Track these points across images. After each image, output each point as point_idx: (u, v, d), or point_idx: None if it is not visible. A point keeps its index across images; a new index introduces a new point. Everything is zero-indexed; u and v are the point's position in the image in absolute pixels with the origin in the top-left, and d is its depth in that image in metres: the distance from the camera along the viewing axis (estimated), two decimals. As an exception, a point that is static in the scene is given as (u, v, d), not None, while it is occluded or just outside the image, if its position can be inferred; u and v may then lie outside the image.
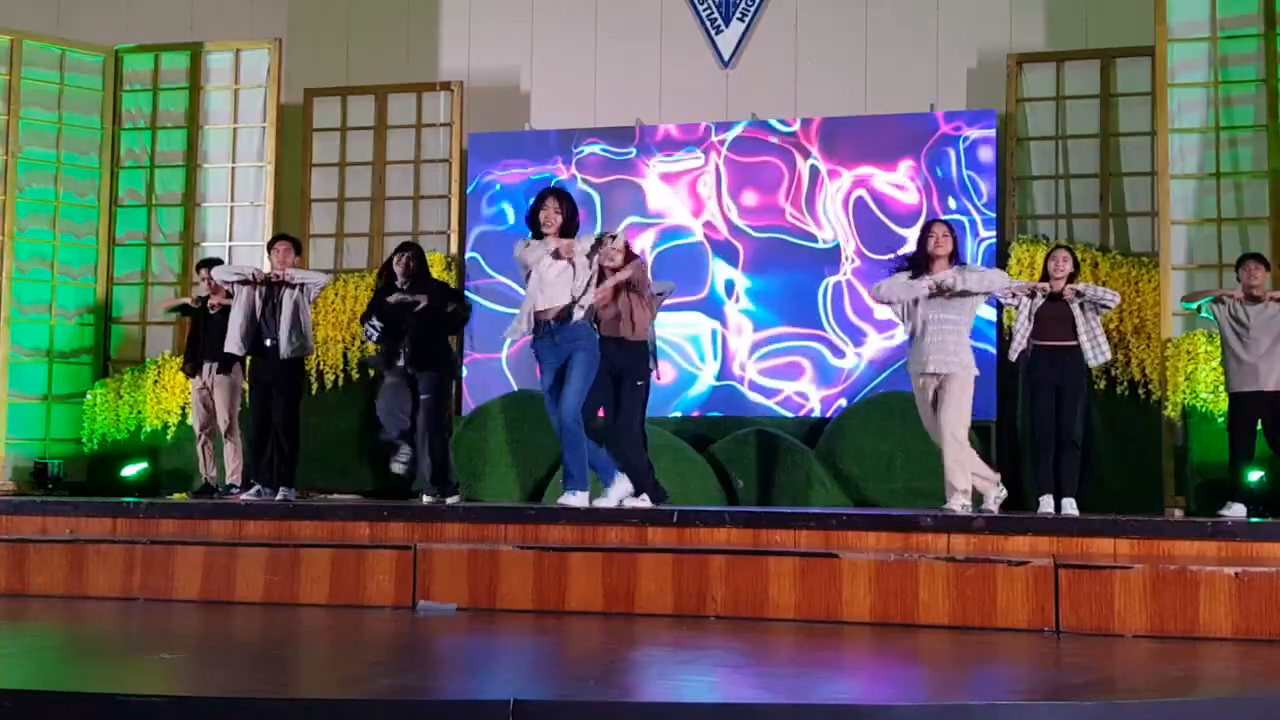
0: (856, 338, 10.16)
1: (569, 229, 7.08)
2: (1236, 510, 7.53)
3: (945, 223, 7.50)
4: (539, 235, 7.10)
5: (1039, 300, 7.57)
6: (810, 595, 5.89)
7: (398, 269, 7.95)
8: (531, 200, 7.28)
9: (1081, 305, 7.51)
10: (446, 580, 6.25)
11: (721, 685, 4.35)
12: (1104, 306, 7.54)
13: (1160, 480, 9.21)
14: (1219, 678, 4.66)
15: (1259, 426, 7.87)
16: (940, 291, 7.11)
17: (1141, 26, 9.70)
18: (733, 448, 9.66)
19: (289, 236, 8.71)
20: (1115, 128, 10.14)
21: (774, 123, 10.46)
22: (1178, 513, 8.60)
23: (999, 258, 9.96)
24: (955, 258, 7.28)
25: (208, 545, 6.66)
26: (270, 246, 8.57)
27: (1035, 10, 10.51)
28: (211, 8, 11.40)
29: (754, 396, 10.26)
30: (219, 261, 9.42)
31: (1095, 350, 7.52)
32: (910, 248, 7.94)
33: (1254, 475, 8.31)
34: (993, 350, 9.81)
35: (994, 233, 10.02)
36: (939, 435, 7.17)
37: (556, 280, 6.98)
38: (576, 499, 6.92)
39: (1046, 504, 7.56)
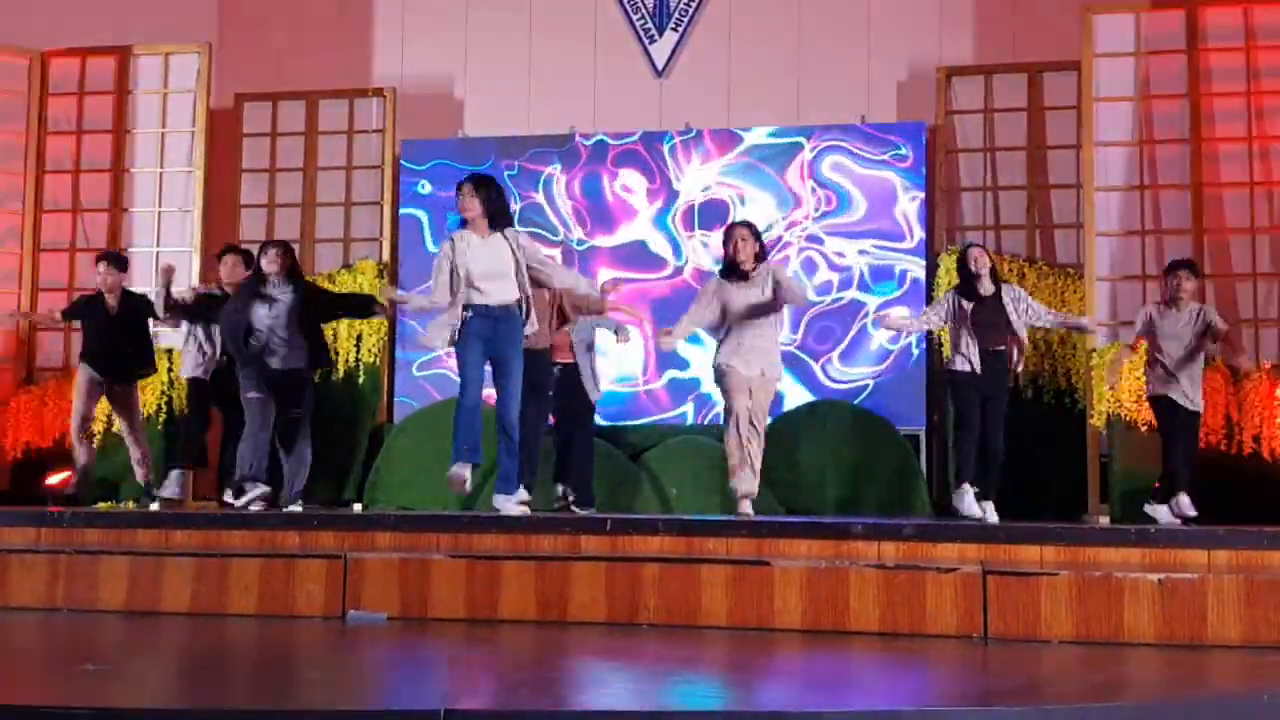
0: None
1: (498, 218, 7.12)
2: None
3: (747, 225, 7.63)
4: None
5: (968, 307, 7.74)
6: (743, 603, 5.90)
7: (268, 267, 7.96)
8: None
9: (1014, 302, 7.72)
10: (378, 589, 6.20)
11: (655, 693, 4.35)
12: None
13: (1085, 488, 9.35)
14: (1143, 683, 4.73)
15: None
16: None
17: (1069, 41, 9.85)
18: (665, 456, 9.67)
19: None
20: (1042, 140, 10.29)
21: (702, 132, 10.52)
22: (1103, 520, 8.73)
23: (928, 269, 10.07)
24: (760, 257, 7.45)
25: (133, 555, 6.56)
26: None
27: (964, 24, 10.64)
28: (140, 11, 11.20)
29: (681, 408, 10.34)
30: (120, 256, 9.35)
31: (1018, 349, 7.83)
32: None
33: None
34: (919, 351, 9.91)
35: (923, 244, 10.13)
36: (759, 434, 7.44)
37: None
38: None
39: (968, 493, 7.70)
